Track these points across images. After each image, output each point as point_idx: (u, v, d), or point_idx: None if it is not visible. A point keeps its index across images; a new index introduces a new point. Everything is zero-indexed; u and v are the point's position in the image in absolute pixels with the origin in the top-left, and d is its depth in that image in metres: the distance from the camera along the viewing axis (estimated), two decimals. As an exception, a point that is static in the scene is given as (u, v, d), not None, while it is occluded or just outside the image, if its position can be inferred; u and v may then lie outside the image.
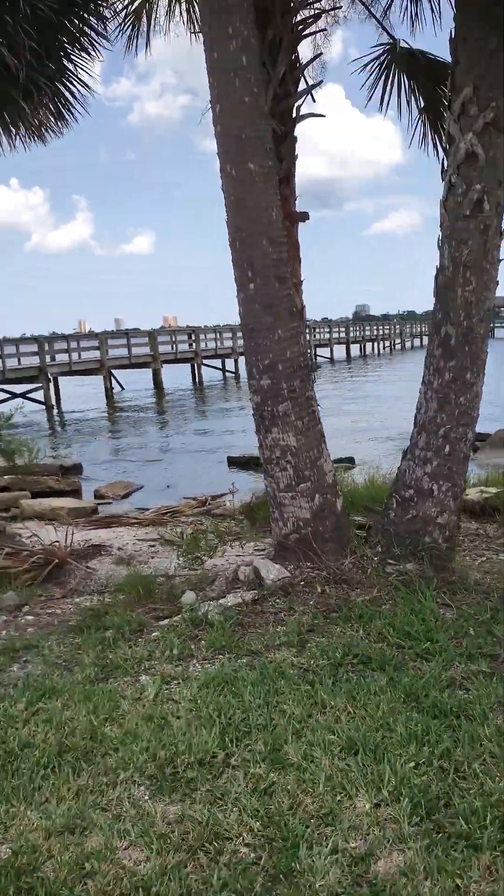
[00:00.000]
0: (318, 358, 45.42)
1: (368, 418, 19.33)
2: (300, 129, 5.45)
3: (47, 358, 25.90)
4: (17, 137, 6.16)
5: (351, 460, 12.91)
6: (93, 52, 6.01)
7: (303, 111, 5.54)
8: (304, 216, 5.50)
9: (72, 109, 6.29)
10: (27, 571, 5.93)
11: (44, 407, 25.53)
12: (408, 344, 66.54)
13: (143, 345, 31.24)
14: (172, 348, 33.10)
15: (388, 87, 6.04)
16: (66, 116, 6.25)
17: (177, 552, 6.83)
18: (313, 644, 3.59)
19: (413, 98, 6.18)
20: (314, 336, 46.32)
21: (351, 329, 56.26)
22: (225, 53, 4.40)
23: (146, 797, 2.49)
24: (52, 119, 6.21)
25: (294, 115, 5.43)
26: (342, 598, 4.31)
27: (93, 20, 5.98)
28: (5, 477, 11.30)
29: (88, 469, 13.81)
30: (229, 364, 37.87)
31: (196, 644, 3.72)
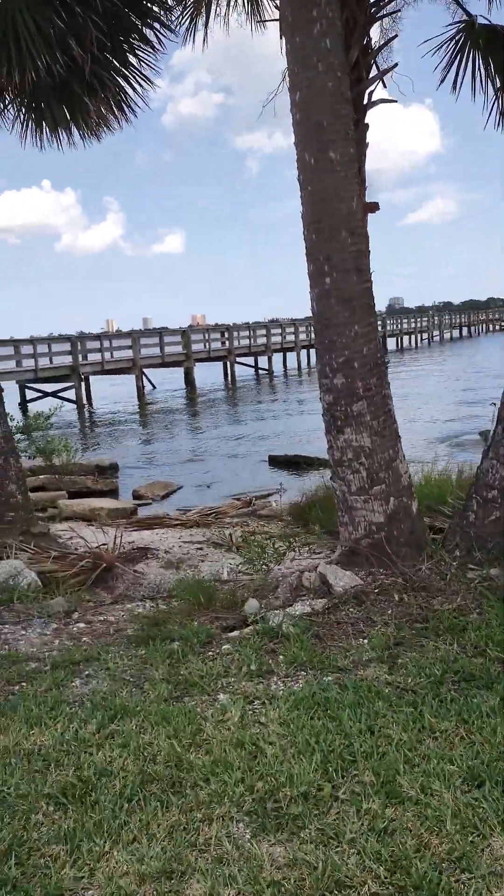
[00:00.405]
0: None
1: (413, 415, 18.83)
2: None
3: (79, 357, 25.84)
4: (76, 134, 5.96)
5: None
6: (157, 46, 5.80)
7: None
8: (375, 206, 5.21)
9: (133, 106, 6.08)
10: (75, 575, 5.70)
11: (75, 406, 25.48)
12: (446, 335, 65.67)
13: (176, 343, 31.08)
14: (205, 346, 32.89)
15: (462, 68, 5.75)
16: (127, 113, 6.02)
17: (239, 556, 6.54)
18: (406, 660, 3.27)
19: (489, 78, 5.88)
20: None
21: (387, 322, 55.55)
22: (307, 37, 4.15)
23: (247, 836, 2.21)
24: (111, 116, 5.99)
25: (365, 101, 5.15)
26: (423, 606, 3.99)
27: (157, 10, 5.76)
28: (41, 476, 11.16)
29: (124, 469, 13.63)
30: (262, 362, 37.57)
31: (274, 659, 3.42)
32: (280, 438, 16.30)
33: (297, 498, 9.95)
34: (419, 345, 58.27)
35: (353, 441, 4.57)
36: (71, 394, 25.84)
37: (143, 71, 5.92)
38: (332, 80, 4.12)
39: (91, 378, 28.00)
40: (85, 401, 26.78)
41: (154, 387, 31.63)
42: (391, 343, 54.40)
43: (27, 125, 6.28)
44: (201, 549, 7.24)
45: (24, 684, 3.35)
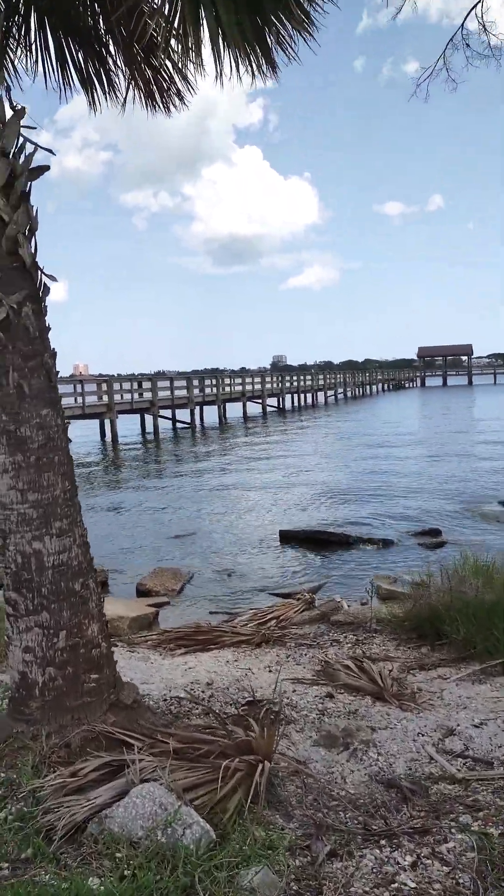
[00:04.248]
0: (266, 408, 43.67)
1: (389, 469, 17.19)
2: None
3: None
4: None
5: (437, 532, 10.74)
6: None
7: None
8: None
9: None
10: (230, 792, 3.30)
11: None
12: (349, 393, 66.12)
13: (92, 393, 28.22)
14: (121, 397, 30.21)
15: None
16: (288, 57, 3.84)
17: (406, 712, 4.15)
18: None
19: None
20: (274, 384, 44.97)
21: (310, 378, 55.95)
22: None
23: None
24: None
25: None
26: None
27: None
28: None
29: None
30: (181, 415, 35.26)
31: None
32: (267, 508, 14.11)
33: (352, 594, 7.87)
34: (327, 401, 58.22)
35: None
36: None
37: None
38: None
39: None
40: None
41: (69, 440, 28.34)
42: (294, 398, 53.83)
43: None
44: (332, 697, 4.94)
45: None
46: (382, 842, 3.12)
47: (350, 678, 5.13)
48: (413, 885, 2.80)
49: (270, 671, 5.60)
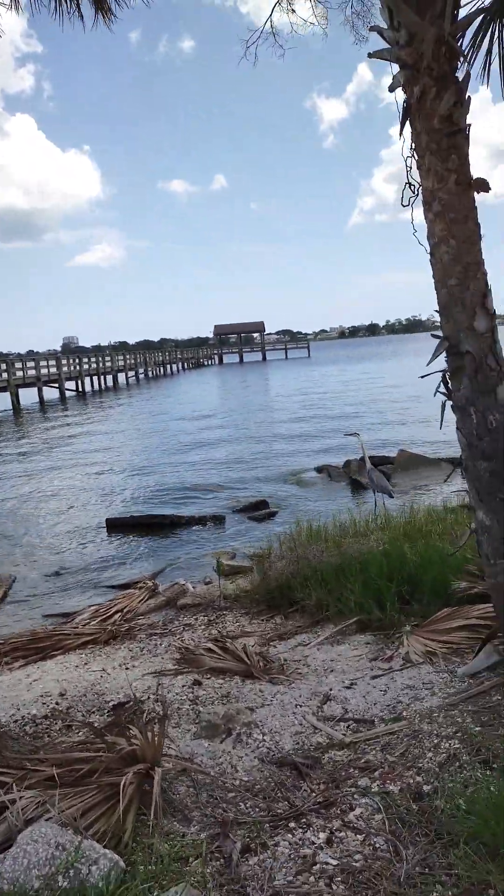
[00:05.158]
0: (65, 392, 41.65)
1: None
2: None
3: None
4: None
5: (264, 504, 10.88)
6: None
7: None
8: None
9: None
10: (129, 806, 3.02)
11: None
12: (150, 373, 65.37)
13: None
14: None
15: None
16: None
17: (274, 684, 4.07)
18: None
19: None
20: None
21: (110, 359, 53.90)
22: None
23: None
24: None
25: None
26: None
27: None
28: None
29: None
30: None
31: None
32: (86, 500, 13.36)
33: (195, 574, 7.75)
34: (128, 382, 57.09)
35: None
36: None
37: None
38: None
39: None
40: None
41: None
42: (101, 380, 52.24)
43: None
44: (200, 683, 4.76)
45: None
46: (291, 824, 3.01)
47: (215, 661, 4.98)
48: (335, 862, 2.72)
49: (127, 668, 5.27)
